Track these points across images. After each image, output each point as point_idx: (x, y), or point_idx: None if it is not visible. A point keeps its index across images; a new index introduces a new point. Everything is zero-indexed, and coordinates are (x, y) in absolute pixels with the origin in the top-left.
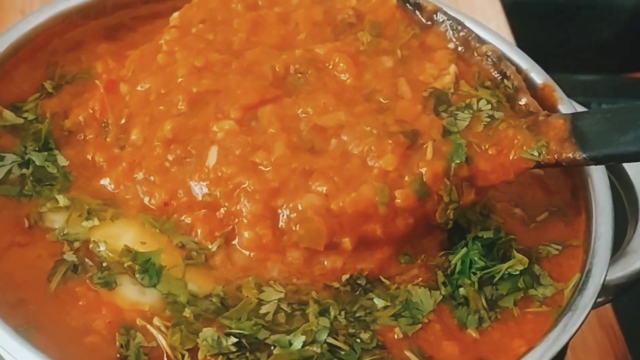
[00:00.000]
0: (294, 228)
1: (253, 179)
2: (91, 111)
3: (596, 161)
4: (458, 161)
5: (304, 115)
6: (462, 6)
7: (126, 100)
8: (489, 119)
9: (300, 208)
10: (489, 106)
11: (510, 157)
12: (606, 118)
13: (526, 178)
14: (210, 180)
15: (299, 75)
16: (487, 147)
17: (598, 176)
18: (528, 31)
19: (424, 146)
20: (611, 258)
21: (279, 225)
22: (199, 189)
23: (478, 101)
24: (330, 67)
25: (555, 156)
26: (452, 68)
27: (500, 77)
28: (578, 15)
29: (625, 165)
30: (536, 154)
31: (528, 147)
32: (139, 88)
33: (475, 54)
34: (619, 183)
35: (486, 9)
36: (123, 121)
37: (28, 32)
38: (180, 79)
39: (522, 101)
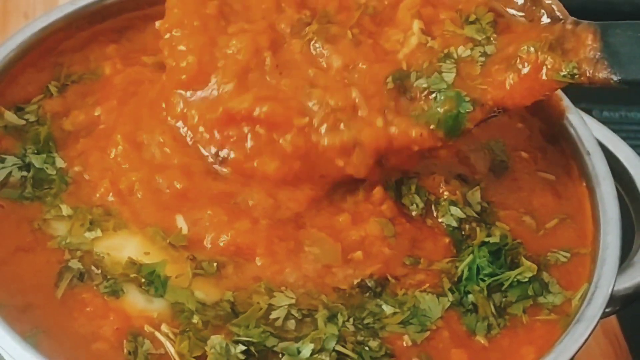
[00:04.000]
0: (307, 249)
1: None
2: (97, 114)
3: (630, 85)
4: (468, 110)
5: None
6: None
7: None
8: (483, 59)
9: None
10: (468, 52)
11: (541, 79)
12: (638, 38)
13: (537, 184)
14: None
15: None
16: (503, 79)
17: (606, 186)
18: None
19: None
20: (618, 268)
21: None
22: None
23: (457, 49)
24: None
25: (588, 76)
26: (416, 25)
27: None
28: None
29: (634, 176)
30: (568, 76)
31: (558, 69)
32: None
33: None
34: (626, 193)
35: None
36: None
37: (34, 37)
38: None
39: (548, 1)
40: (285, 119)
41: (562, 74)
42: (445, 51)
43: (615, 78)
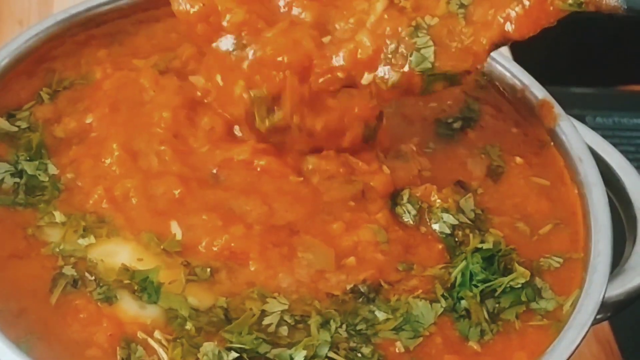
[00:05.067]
0: (301, 255)
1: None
2: (88, 121)
3: (637, 14)
4: (461, 77)
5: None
6: None
7: None
8: (463, 10)
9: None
10: (436, 19)
11: (548, 9)
12: None
13: (532, 189)
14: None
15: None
16: (504, 14)
17: (597, 193)
18: (524, 44)
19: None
20: (610, 275)
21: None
22: None
23: (423, 17)
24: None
25: (595, 4)
26: None
27: None
28: (573, 29)
29: (625, 182)
30: (575, 4)
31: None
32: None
33: None
34: (617, 200)
35: None
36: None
37: (28, 45)
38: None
39: None
40: None
41: (569, 2)
42: (414, 23)
43: (624, 6)
